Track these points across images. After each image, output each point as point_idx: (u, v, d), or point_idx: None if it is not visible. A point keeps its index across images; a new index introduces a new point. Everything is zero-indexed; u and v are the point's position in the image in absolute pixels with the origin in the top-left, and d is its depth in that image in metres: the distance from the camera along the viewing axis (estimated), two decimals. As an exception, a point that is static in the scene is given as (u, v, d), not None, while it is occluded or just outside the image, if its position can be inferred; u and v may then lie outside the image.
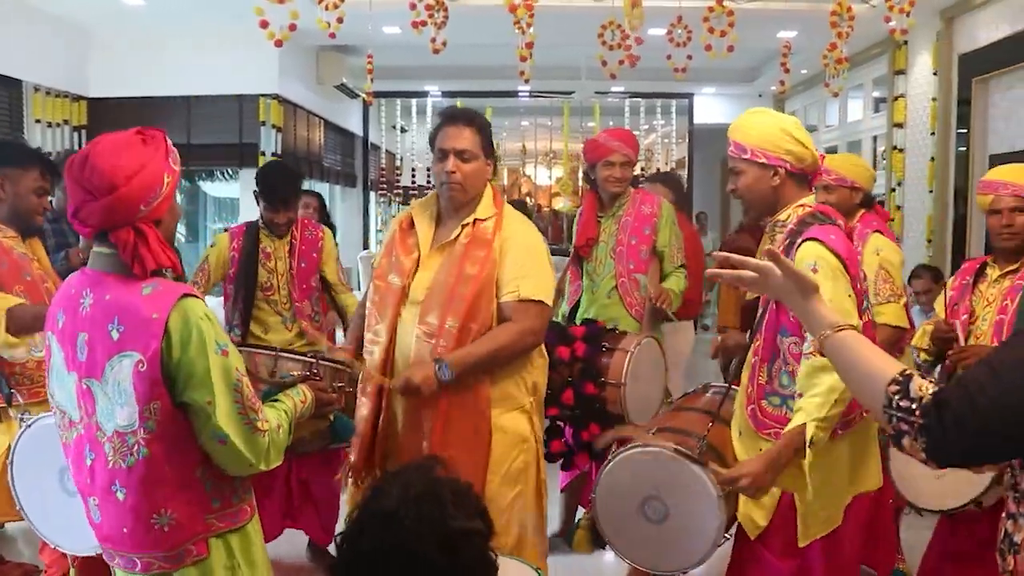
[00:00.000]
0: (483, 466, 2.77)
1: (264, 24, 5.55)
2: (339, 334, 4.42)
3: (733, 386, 2.77)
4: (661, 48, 6.59)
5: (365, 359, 2.93)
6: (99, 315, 1.94)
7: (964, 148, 7.08)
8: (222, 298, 4.25)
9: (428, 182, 11.63)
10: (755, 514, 2.56)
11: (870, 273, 3.44)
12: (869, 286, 3.31)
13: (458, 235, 2.87)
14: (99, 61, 8.26)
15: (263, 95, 8.43)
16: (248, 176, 8.32)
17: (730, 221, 13.81)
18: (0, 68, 6.89)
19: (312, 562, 4.19)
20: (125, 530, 2.00)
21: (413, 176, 12.18)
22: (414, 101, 11.83)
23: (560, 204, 13.53)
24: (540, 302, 2.85)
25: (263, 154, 8.38)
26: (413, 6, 5.91)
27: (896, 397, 1.41)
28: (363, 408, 2.88)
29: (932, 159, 7.49)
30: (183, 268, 4.60)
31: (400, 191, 12.35)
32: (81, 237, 3.75)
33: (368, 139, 12.31)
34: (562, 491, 4.31)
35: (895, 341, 3.52)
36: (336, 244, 4.46)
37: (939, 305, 3.42)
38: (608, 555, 3.91)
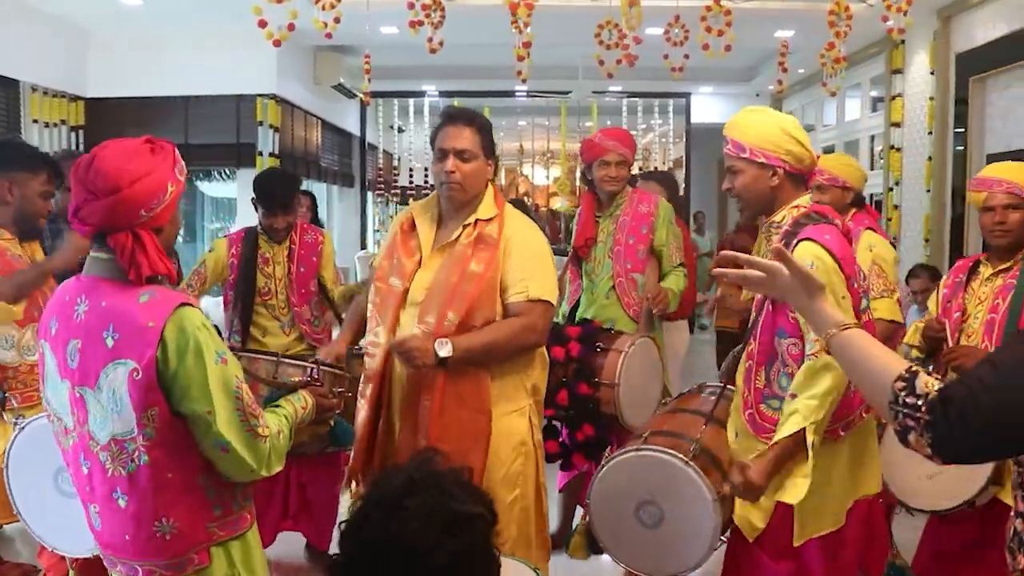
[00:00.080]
0: (481, 468, 2.76)
1: (263, 24, 5.54)
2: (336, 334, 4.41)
3: (728, 387, 2.76)
4: (658, 47, 6.59)
5: (366, 361, 2.92)
6: (94, 322, 1.93)
7: (961, 147, 7.09)
8: (221, 298, 4.25)
9: (426, 182, 11.63)
10: (752, 516, 2.54)
11: (864, 269, 3.44)
12: (864, 274, 3.32)
13: (459, 235, 2.86)
14: (97, 61, 8.26)
15: (261, 95, 8.43)
16: (246, 176, 8.33)
17: (727, 220, 13.83)
18: (-3, 68, 6.90)
19: (310, 563, 4.19)
20: (127, 537, 1.99)
21: (411, 176, 12.17)
22: (411, 101, 11.83)
23: (557, 204, 13.48)
24: (546, 302, 2.85)
25: (261, 154, 8.38)
26: (411, 6, 5.91)
27: (902, 393, 1.43)
28: (362, 411, 2.88)
29: (930, 158, 7.50)
30: (181, 269, 4.63)
31: (397, 191, 12.35)
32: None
33: (365, 139, 12.31)
34: (560, 491, 4.31)
35: (889, 335, 3.53)
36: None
37: (932, 303, 3.41)
38: (607, 556, 3.91)
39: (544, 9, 5.94)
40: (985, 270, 3.22)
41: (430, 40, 6.10)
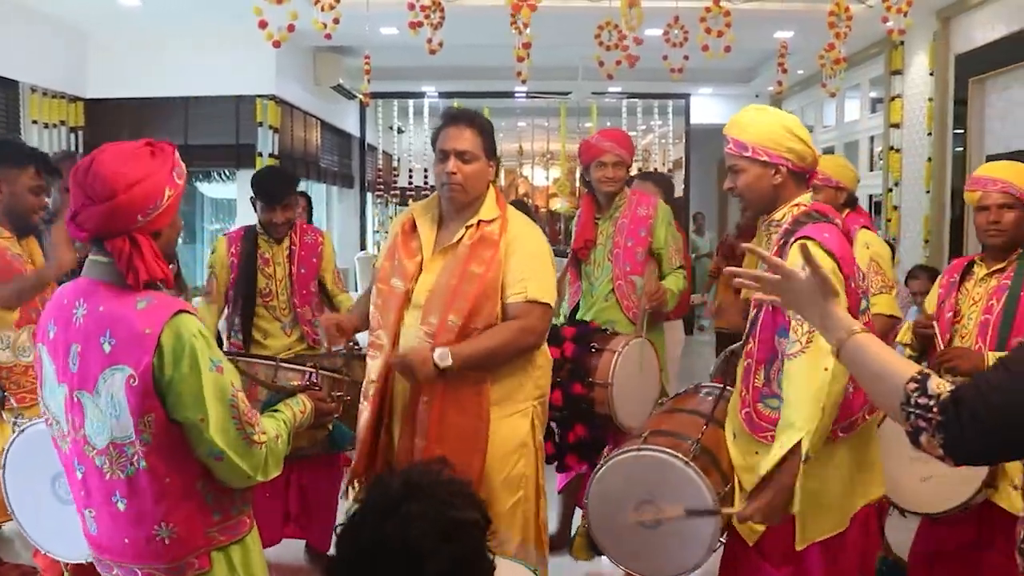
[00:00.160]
0: (480, 468, 2.76)
1: (263, 24, 5.53)
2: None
3: (727, 387, 2.75)
4: (658, 48, 6.59)
5: (368, 363, 2.92)
6: (92, 327, 1.92)
7: (961, 148, 7.09)
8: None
9: (425, 183, 11.62)
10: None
11: (862, 266, 3.44)
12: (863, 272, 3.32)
13: (461, 237, 2.86)
14: (96, 62, 8.25)
15: (260, 96, 8.42)
16: (246, 177, 8.31)
17: (727, 221, 13.81)
18: (-4, 69, 6.89)
19: (310, 565, 4.18)
20: (126, 540, 1.98)
21: (410, 177, 12.17)
22: (411, 102, 11.83)
23: (557, 205, 13.50)
24: (545, 304, 2.85)
25: (260, 155, 8.37)
26: (411, 6, 5.90)
27: (915, 394, 1.44)
28: (364, 413, 2.88)
29: (929, 159, 7.50)
30: (180, 270, 4.63)
31: (397, 192, 12.34)
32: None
33: (365, 140, 12.30)
34: (559, 493, 4.31)
35: (887, 331, 3.53)
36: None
37: (929, 303, 3.40)
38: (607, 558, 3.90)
39: (544, 10, 5.94)
40: (979, 270, 3.19)
41: (430, 41, 6.10)
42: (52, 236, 3.51)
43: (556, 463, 3.95)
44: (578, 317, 4.25)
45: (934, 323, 3.24)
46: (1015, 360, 1.42)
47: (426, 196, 3.17)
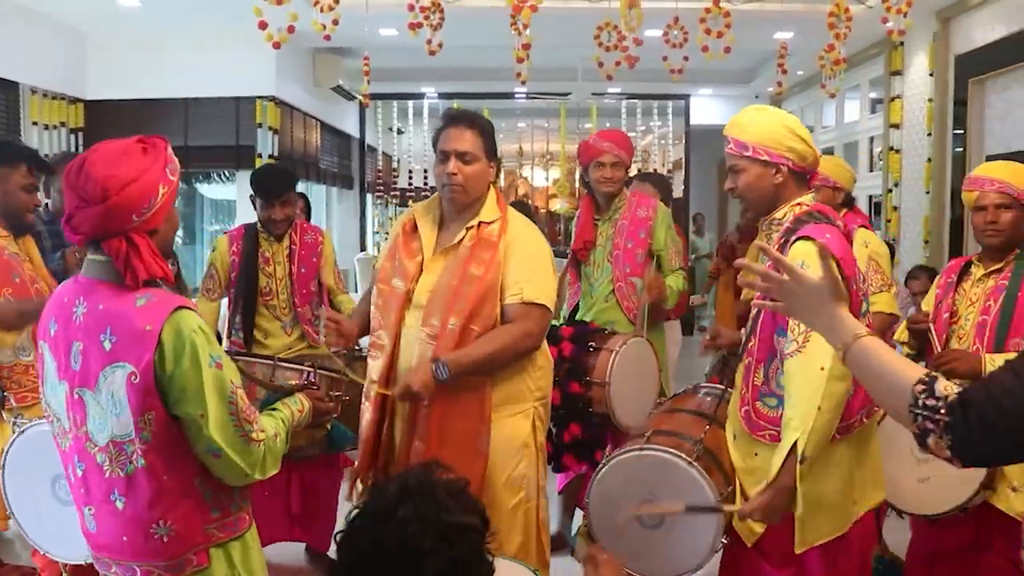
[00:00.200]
0: (481, 471, 2.76)
1: (263, 25, 5.53)
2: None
3: (728, 388, 2.75)
4: (658, 49, 6.59)
5: (369, 363, 2.92)
6: (92, 324, 1.92)
7: (961, 149, 7.09)
8: (224, 301, 4.25)
9: (425, 184, 11.63)
10: (751, 520, 2.51)
11: (861, 265, 3.43)
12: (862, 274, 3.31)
13: (462, 238, 2.86)
14: (96, 63, 8.25)
15: (260, 97, 8.42)
16: (245, 178, 8.31)
17: (727, 222, 13.82)
18: (-4, 71, 6.89)
19: (310, 565, 4.19)
20: (125, 539, 1.99)
21: (410, 178, 12.17)
22: (411, 103, 11.83)
23: (557, 206, 13.51)
24: (542, 306, 2.84)
25: (260, 156, 8.37)
26: (411, 7, 5.91)
27: (922, 396, 1.44)
28: (367, 413, 2.88)
29: (929, 160, 7.50)
30: (181, 271, 4.63)
31: (397, 193, 12.35)
32: None
33: (365, 141, 12.30)
34: (560, 493, 4.31)
35: (887, 329, 3.53)
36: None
37: (927, 304, 3.38)
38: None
39: (543, 11, 5.94)
40: (977, 271, 3.17)
41: (429, 42, 6.11)
42: (68, 260, 3.52)
43: (553, 463, 3.95)
44: (578, 318, 4.25)
45: (930, 322, 3.23)
46: None
47: (426, 197, 3.17)
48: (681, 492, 2.50)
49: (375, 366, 2.88)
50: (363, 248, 11.96)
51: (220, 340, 3.99)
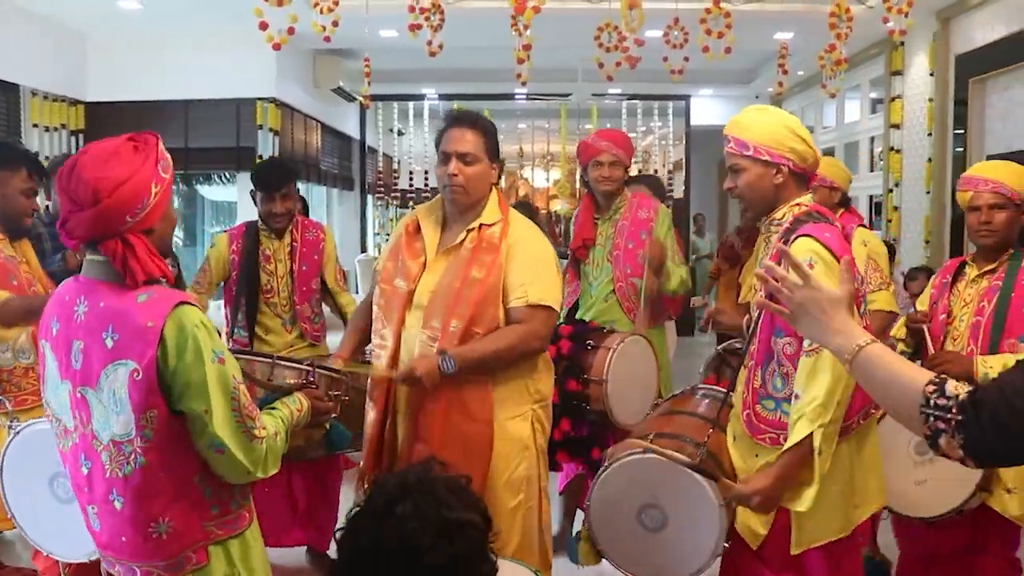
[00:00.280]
0: (483, 472, 2.76)
1: (264, 26, 5.53)
2: (330, 338, 4.39)
3: (730, 392, 2.73)
4: (658, 50, 6.59)
5: (373, 363, 2.92)
6: (93, 323, 1.92)
7: (961, 149, 7.09)
8: (221, 302, 4.24)
9: (426, 185, 11.63)
10: (753, 523, 2.51)
11: (859, 264, 3.43)
12: (860, 275, 3.31)
13: (463, 240, 2.86)
14: (96, 65, 8.26)
15: (260, 99, 8.42)
16: (246, 180, 8.32)
17: (728, 222, 13.82)
18: (-3, 73, 6.89)
19: (311, 565, 4.19)
20: (124, 539, 1.99)
21: (410, 179, 12.17)
22: (411, 104, 11.83)
23: (557, 206, 13.53)
24: (548, 307, 2.85)
25: (260, 157, 8.36)
26: (412, 9, 5.91)
27: (933, 396, 1.45)
28: (371, 412, 2.88)
29: (929, 160, 7.50)
30: (181, 272, 4.63)
31: (397, 194, 12.34)
32: None
33: (365, 142, 12.31)
34: (561, 494, 4.31)
35: (887, 326, 3.53)
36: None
37: (921, 304, 3.38)
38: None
39: (544, 12, 5.95)
40: (971, 271, 3.17)
41: (429, 43, 6.11)
42: (68, 262, 3.51)
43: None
44: (578, 317, 4.25)
45: (926, 322, 3.23)
46: None
47: (426, 198, 3.18)
48: (684, 495, 2.50)
49: (378, 366, 2.88)
50: (364, 249, 11.96)
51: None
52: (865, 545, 3.57)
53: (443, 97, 11.78)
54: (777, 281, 1.72)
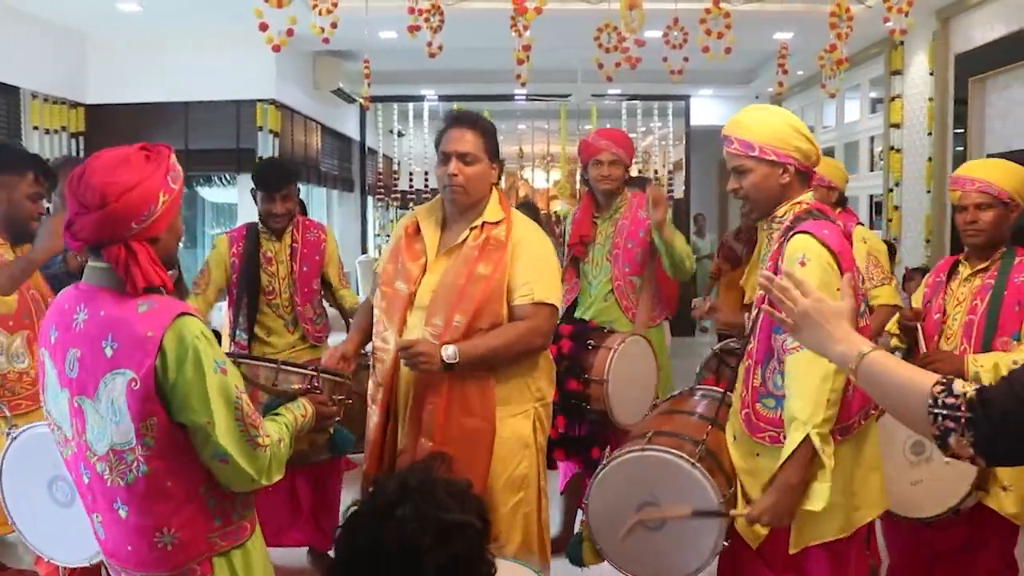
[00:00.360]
0: (485, 470, 2.77)
1: (264, 27, 5.53)
2: (331, 339, 4.38)
3: (728, 392, 2.73)
4: (658, 50, 6.59)
5: (375, 366, 2.93)
6: (93, 331, 1.91)
7: (961, 148, 7.09)
8: (225, 303, 4.23)
9: (426, 186, 11.63)
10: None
11: (860, 261, 3.42)
12: (862, 273, 3.31)
13: (466, 238, 2.86)
14: (96, 68, 8.26)
15: (260, 100, 8.42)
16: (246, 181, 8.33)
17: (728, 223, 13.82)
18: (-3, 75, 6.90)
19: (312, 566, 4.19)
20: (129, 548, 1.98)
21: (411, 180, 12.16)
22: (411, 105, 11.83)
23: (558, 207, 13.53)
24: (551, 305, 2.86)
25: (260, 159, 8.38)
26: (411, 10, 5.91)
27: (941, 395, 1.45)
28: (374, 416, 2.89)
29: (929, 159, 7.50)
30: (182, 275, 4.62)
31: (398, 195, 12.34)
32: None
33: (365, 143, 12.31)
34: (561, 494, 4.31)
35: (891, 320, 3.53)
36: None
37: (915, 301, 3.37)
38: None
39: (543, 13, 5.95)
40: (964, 270, 3.16)
41: (429, 44, 6.12)
42: (44, 225, 3.47)
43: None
44: (577, 316, 4.25)
45: (918, 320, 3.22)
46: None
47: (427, 199, 3.18)
48: (683, 493, 2.48)
49: (380, 368, 2.88)
50: (364, 251, 11.95)
51: (219, 339, 3.98)
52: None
53: (443, 98, 11.78)
54: (779, 292, 1.72)
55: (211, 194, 12.70)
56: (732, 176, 2.59)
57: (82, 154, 7.83)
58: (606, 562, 2.72)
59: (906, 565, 3.18)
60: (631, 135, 5.15)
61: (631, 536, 2.54)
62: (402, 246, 2.96)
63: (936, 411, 1.44)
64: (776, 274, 2.42)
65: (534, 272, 2.84)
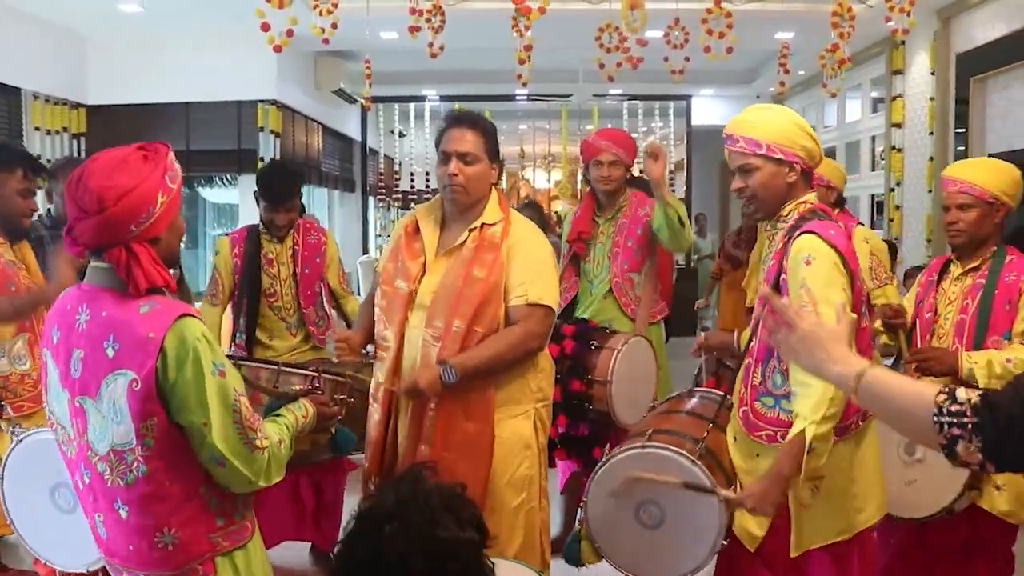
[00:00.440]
0: (485, 472, 2.76)
1: (266, 27, 5.52)
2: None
3: (728, 394, 2.72)
4: (659, 50, 6.59)
5: (374, 365, 2.93)
6: (95, 332, 1.92)
7: (962, 147, 7.09)
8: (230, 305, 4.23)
9: (427, 186, 11.64)
10: (751, 525, 2.47)
11: (863, 261, 3.42)
12: (864, 273, 3.30)
13: (465, 240, 2.86)
14: (97, 68, 8.27)
15: (261, 101, 8.43)
16: (247, 182, 8.34)
17: (729, 223, 13.82)
18: (-2, 76, 6.90)
19: (315, 567, 4.19)
20: (131, 548, 1.98)
21: (412, 180, 12.18)
22: (412, 106, 11.85)
23: (559, 207, 13.54)
24: (546, 306, 2.85)
25: (262, 160, 8.38)
26: (412, 10, 5.91)
27: (946, 403, 1.44)
28: (375, 415, 2.89)
29: (931, 159, 7.49)
30: (183, 275, 4.62)
31: (399, 196, 12.36)
32: None
33: (366, 144, 12.32)
34: (561, 493, 4.30)
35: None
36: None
37: (907, 300, 3.37)
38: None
39: (545, 13, 5.95)
40: (955, 269, 3.16)
41: (430, 45, 6.11)
42: (56, 252, 3.50)
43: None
44: (577, 315, 4.25)
45: (900, 319, 3.21)
46: None
47: (428, 199, 3.17)
48: (683, 492, 2.47)
49: (381, 367, 2.88)
50: (365, 251, 11.96)
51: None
52: None
53: (444, 98, 11.79)
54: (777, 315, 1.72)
55: (212, 195, 12.71)
56: (737, 175, 2.57)
57: (83, 155, 7.84)
58: (605, 562, 2.71)
59: (902, 566, 3.18)
60: (632, 135, 5.14)
61: (629, 535, 2.53)
62: (402, 245, 2.96)
63: (941, 420, 1.43)
64: (780, 274, 2.43)
65: (530, 273, 2.84)
